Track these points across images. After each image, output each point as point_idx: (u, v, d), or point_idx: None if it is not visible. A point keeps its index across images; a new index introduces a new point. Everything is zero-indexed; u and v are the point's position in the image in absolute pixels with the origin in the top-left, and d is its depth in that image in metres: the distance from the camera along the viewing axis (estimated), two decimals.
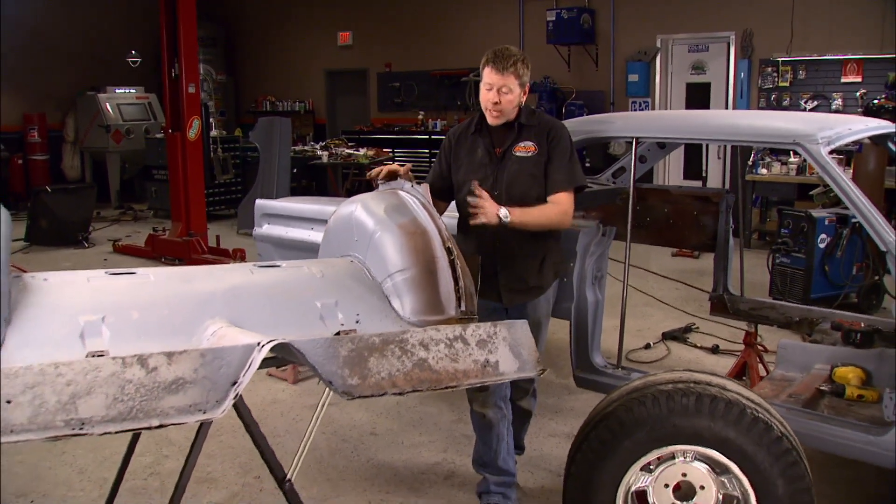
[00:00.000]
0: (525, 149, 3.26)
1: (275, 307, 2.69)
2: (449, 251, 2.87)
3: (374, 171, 3.32)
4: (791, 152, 8.91)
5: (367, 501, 3.63)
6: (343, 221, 3.18)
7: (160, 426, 1.94)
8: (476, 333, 2.34)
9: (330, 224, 3.33)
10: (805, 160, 8.58)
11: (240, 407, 2.71)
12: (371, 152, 10.30)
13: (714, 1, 10.06)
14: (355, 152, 10.21)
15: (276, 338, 2.10)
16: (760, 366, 4.80)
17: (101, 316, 2.41)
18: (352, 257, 3.07)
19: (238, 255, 8.00)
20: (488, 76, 3.17)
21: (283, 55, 14.60)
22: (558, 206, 3.20)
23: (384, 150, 11.21)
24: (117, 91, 12.54)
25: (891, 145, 3.94)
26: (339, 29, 13.86)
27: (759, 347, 4.89)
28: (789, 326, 4.76)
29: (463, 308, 2.83)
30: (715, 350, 5.59)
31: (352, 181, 10.69)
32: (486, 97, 3.21)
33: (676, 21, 10.41)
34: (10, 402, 1.82)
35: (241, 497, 3.68)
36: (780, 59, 9.38)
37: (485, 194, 3.04)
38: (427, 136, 12.14)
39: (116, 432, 1.88)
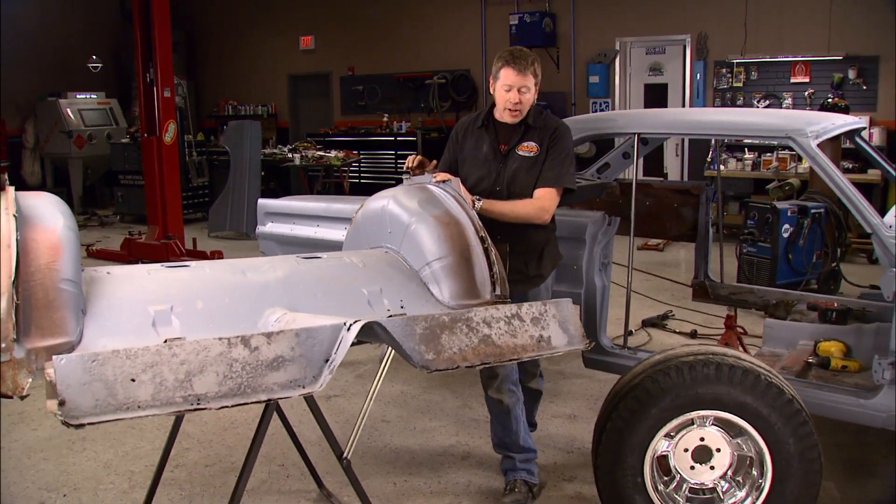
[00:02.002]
0: (528, 149, 3.43)
1: (326, 295, 2.85)
2: (482, 240, 3.08)
3: (412, 163, 3.51)
4: (745, 149, 9.39)
5: (393, 483, 3.81)
6: (374, 215, 3.36)
7: (268, 401, 2.12)
8: (530, 311, 2.57)
9: (358, 218, 3.50)
10: (760, 156, 9.09)
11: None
12: (342, 154, 10.45)
13: (670, 4, 10.49)
14: (326, 154, 10.34)
15: (361, 318, 2.29)
16: (741, 347, 5.13)
17: (169, 306, 2.55)
18: (385, 248, 3.25)
19: (216, 258, 8.07)
20: (507, 77, 3.34)
21: (245, 59, 14.60)
22: (536, 202, 3.36)
23: (353, 152, 11.34)
24: (79, 96, 12.40)
25: (857, 139, 4.30)
26: (301, 33, 13.93)
27: (739, 329, 5.22)
28: (767, 309, 5.12)
29: (497, 292, 3.05)
30: (693, 335, 5.91)
31: (321, 183, 10.81)
32: (505, 98, 3.37)
33: (634, 24, 10.81)
34: (133, 380, 1.99)
35: (269, 484, 3.82)
36: (733, 61, 9.85)
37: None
38: (392, 138, 12.30)
39: (231, 406, 2.06)
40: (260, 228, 5.08)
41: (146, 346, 2.03)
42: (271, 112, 14.38)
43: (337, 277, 2.97)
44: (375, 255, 3.22)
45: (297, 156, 10.07)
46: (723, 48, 10.06)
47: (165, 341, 2.48)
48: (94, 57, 12.20)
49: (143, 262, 8.37)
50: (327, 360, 2.19)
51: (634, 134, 3.86)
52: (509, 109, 3.39)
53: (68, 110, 12.08)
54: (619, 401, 2.98)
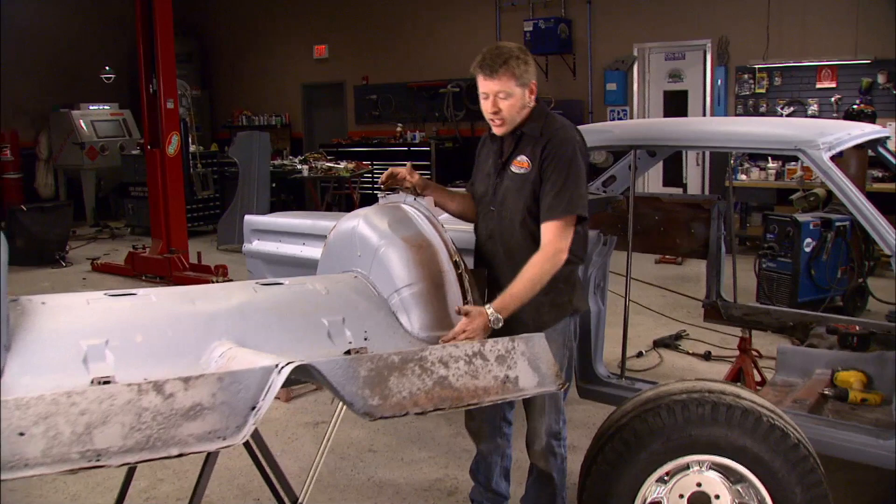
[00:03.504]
0: (519, 164, 2.88)
1: (281, 326, 2.63)
2: (456, 265, 2.83)
3: (382, 178, 3.22)
4: (769, 157, 9.02)
5: None
6: (345, 236, 3.13)
7: (180, 455, 1.87)
8: (494, 349, 2.30)
9: (330, 239, 3.28)
10: (784, 165, 8.73)
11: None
12: (351, 165, 10.24)
13: (690, 9, 10.17)
14: (335, 165, 10.14)
15: (294, 359, 2.05)
16: (755, 371, 4.81)
17: (105, 340, 2.35)
18: (355, 273, 3.02)
19: (220, 272, 7.89)
20: (481, 84, 2.81)
21: (259, 69, 14.51)
22: (543, 252, 2.72)
23: (364, 162, 11.14)
24: (91, 107, 12.35)
25: (881, 150, 3.97)
26: (315, 42, 13.81)
27: (754, 353, 4.90)
28: (783, 331, 4.80)
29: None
30: (707, 357, 5.60)
31: (332, 195, 10.62)
32: (483, 106, 2.86)
33: (653, 30, 10.50)
34: (22, 434, 1.75)
35: None
36: (756, 66, 9.49)
37: (467, 322, 2.62)
38: (406, 149, 12.09)
39: (135, 463, 1.82)
40: (246, 246, 4.88)
41: (41, 395, 1.79)
42: (285, 122, 14.26)
43: (296, 306, 2.75)
44: (342, 280, 2.98)
45: (305, 167, 9.87)
46: (745, 53, 9.71)
47: (93, 381, 2.28)
48: (107, 68, 12.14)
49: (146, 277, 8.28)
50: (253, 408, 1.94)
51: (632, 147, 3.57)
52: (491, 120, 2.88)
53: (81, 122, 12.04)
54: (605, 442, 2.70)
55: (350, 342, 2.66)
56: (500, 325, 2.63)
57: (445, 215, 3.79)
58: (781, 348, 3.95)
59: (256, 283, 2.87)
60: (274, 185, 10.79)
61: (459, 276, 2.82)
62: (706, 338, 5.86)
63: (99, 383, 2.23)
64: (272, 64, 14.30)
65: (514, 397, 2.29)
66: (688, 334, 6.03)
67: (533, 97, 2.87)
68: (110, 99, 12.55)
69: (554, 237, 2.74)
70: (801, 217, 6.24)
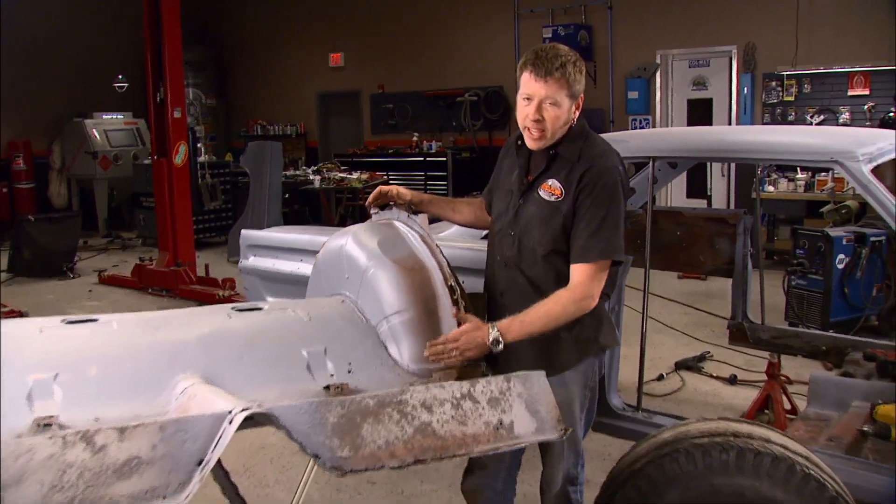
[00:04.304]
0: (550, 189, 2.49)
1: (255, 357, 2.37)
2: (451, 289, 2.56)
3: (370, 198, 2.96)
4: (798, 168, 8.64)
5: None
6: (333, 256, 2.88)
7: None
8: (487, 390, 2.02)
9: (319, 259, 3.02)
10: (814, 176, 8.35)
11: (215, 471, 2.39)
12: (365, 176, 10.00)
13: (715, 15, 9.83)
14: (348, 176, 9.91)
15: (250, 404, 1.78)
16: (785, 398, 4.49)
17: (54, 374, 2.10)
18: (343, 296, 2.76)
19: (228, 286, 7.68)
20: (527, 84, 2.42)
21: (274, 78, 14.35)
22: (570, 295, 2.39)
23: (378, 173, 10.91)
24: (105, 116, 12.23)
25: None
26: (330, 50, 13.62)
27: (783, 379, 4.57)
28: (815, 356, 4.47)
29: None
30: (732, 381, 5.27)
31: (345, 206, 10.39)
32: (523, 112, 2.46)
33: (676, 36, 10.18)
34: None
35: None
36: (784, 73, 9.13)
37: (462, 331, 2.34)
38: (422, 158, 11.84)
39: None
40: (242, 262, 4.63)
41: None
42: (300, 132, 14.08)
43: (273, 334, 2.49)
44: (327, 305, 2.72)
45: (317, 178, 9.64)
46: (772, 59, 9.34)
47: (35, 422, 2.03)
48: (120, 76, 12.01)
49: (152, 290, 8.08)
50: (200, 462, 1.67)
51: (649, 158, 3.27)
52: (528, 129, 2.47)
53: (94, 131, 11.91)
54: (615, 489, 2.41)
55: (332, 375, 2.39)
56: (500, 348, 2.35)
57: (454, 228, 3.56)
58: (814, 377, 3.60)
59: (232, 307, 2.61)
60: (287, 195, 10.58)
61: (455, 302, 2.54)
62: (732, 359, 5.53)
63: (41, 425, 1.98)
64: (287, 72, 14.14)
65: (507, 446, 2.00)
66: (712, 356, 5.70)
67: (579, 111, 2.51)
68: (124, 108, 12.42)
69: (585, 280, 2.41)
70: (833, 232, 5.88)
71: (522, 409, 2.05)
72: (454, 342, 2.34)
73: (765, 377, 4.60)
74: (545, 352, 2.52)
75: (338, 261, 2.82)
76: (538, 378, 2.10)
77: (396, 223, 2.82)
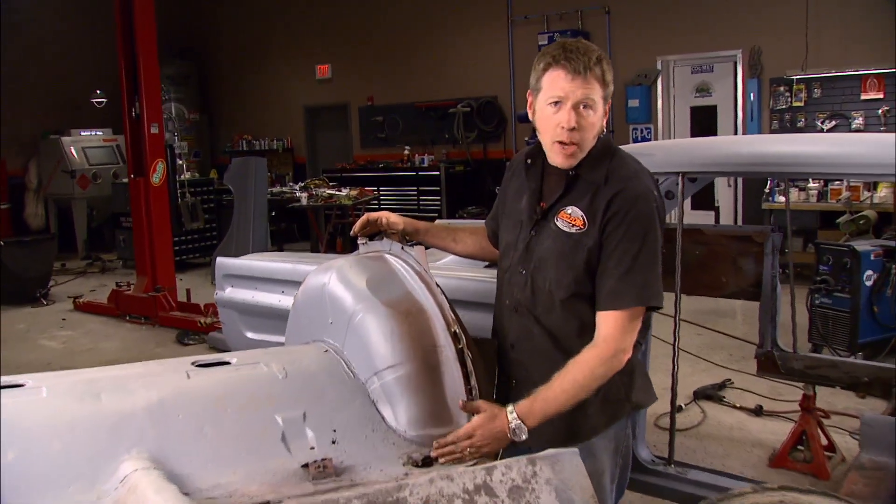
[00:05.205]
0: (569, 219, 2.04)
1: (219, 428, 1.96)
2: (456, 337, 2.12)
3: (356, 226, 2.51)
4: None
5: None
6: (314, 296, 2.44)
7: None
8: (507, 478, 1.60)
9: (298, 298, 2.58)
10: (826, 185, 7.96)
11: None
12: (354, 192, 9.56)
13: (718, 18, 9.46)
14: (337, 193, 9.46)
15: None
16: (822, 434, 4.08)
17: None
18: (326, 344, 2.32)
19: (210, 312, 7.20)
20: (555, 84, 1.97)
21: (260, 91, 13.91)
22: (597, 353, 1.96)
23: (368, 189, 10.47)
24: (83, 133, 11.75)
25: None
26: (317, 62, 13.19)
27: (819, 413, 4.15)
28: (857, 389, 4.05)
29: None
30: (758, 412, 4.84)
31: (334, 224, 9.95)
32: (553, 121, 1.99)
33: (678, 41, 9.80)
34: None
35: None
36: (793, 77, 8.75)
37: (477, 425, 1.93)
38: (414, 173, 11.41)
39: None
40: (218, 294, 4.18)
41: None
42: (287, 146, 13.64)
43: (242, 398, 2.08)
44: (307, 357, 2.29)
45: (304, 195, 9.20)
46: (780, 63, 8.96)
47: None
48: (98, 91, 11.55)
49: (130, 317, 7.61)
50: None
51: (678, 173, 2.85)
52: (561, 142, 2.00)
53: (71, 148, 11.44)
54: None
55: (312, 448, 1.98)
56: (523, 437, 1.92)
57: (451, 256, 3.12)
58: (867, 419, 3.17)
59: (193, 362, 2.18)
60: (273, 213, 10.14)
61: (460, 353, 2.11)
62: (754, 386, 5.10)
63: None
64: (273, 85, 13.72)
65: None
66: (732, 383, 5.27)
67: (605, 119, 2.07)
68: (103, 124, 11.92)
69: (616, 332, 1.98)
70: (860, 246, 5.45)
71: (552, 498, 1.62)
72: (467, 439, 1.92)
73: (795, 407, 4.20)
74: (568, 417, 2.07)
75: (320, 301, 2.39)
76: (570, 459, 1.67)
77: (388, 256, 2.38)
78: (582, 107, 1.96)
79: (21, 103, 11.76)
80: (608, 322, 1.99)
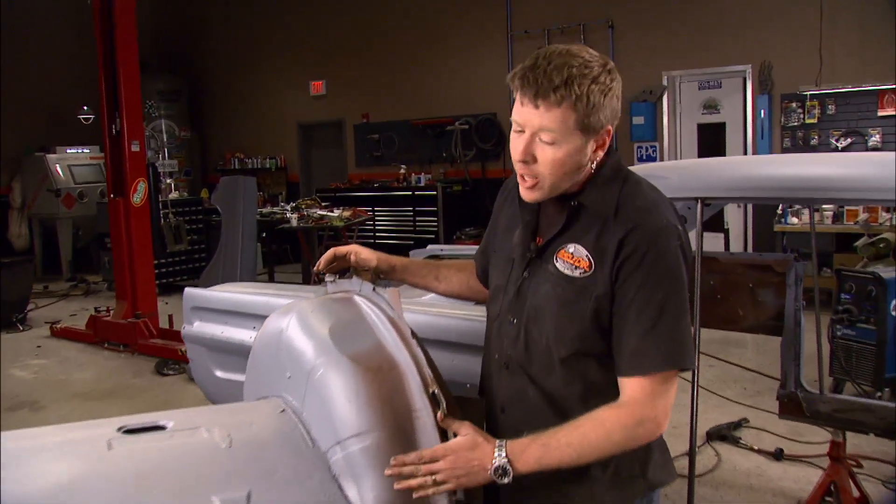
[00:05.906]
0: (571, 259, 1.68)
1: None
2: (434, 399, 1.75)
3: (320, 262, 2.13)
4: None
5: None
6: (271, 343, 2.07)
7: None
8: None
9: (255, 345, 2.21)
10: (842, 206, 7.60)
11: None
12: (347, 213, 9.17)
13: (726, 32, 9.12)
14: (328, 213, 9.08)
15: None
16: (853, 486, 3.68)
17: None
18: (283, 402, 1.95)
19: None
20: (516, 107, 1.63)
21: (253, 108, 13.57)
22: (618, 415, 1.61)
23: (362, 209, 10.10)
24: (69, 151, 11.41)
25: None
26: (311, 78, 12.84)
27: (851, 463, 3.75)
28: (892, 435, 3.65)
29: (459, 496, 1.69)
30: (778, 455, 4.45)
31: (325, 246, 9.57)
32: (511, 147, 1.67)
33: (684, 56, 9.46)
34: None
35: None
36: (806, 93, 8.40)
37: (455, 446, 1.62)
38: (410, 193, 11.05)
39: None
40: (186, 328, 3.84)
41: None
42: (280, 165, 13.27)
43: (172, 475, 1.73)
44: (259, 419, 1.93)
45: (294, 216, 8.83)
46: (791, 79, 8.62)
47: None
48: (84, 107, 11.21)
49: (108, 344, 7.22)
50: None
51: (696, 199, 2.49)
52: (518, 173, 1.69)
53: (56, 166, 11.09)
54: None
55: None
56: (506, 480, 1.57)
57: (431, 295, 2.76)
58: None
59: (119, 428, 1.82)
60: (264, 234, 9.78)
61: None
62: (772, 425, 4.73)
63: None
64: (266, 102, 13.38)
65: None
66: (748, 422, 4.88)
67: (603, 151, 1.66)
68: (89, 141, 11.54)
69: (643, 398, 1.60)
70: (886, 273, 5.07)
71: None
72: (433, 462, 1.59)
73: (819, 450, 3.82)
74: (571, 494, 1.71)
75: (276, 351, 2.03)
76: None
77: (357, 299, 2.01)
78: (539, 139, 1.60)
79: (4, 118, 11.39)
80: (634, 388, 1.62)
